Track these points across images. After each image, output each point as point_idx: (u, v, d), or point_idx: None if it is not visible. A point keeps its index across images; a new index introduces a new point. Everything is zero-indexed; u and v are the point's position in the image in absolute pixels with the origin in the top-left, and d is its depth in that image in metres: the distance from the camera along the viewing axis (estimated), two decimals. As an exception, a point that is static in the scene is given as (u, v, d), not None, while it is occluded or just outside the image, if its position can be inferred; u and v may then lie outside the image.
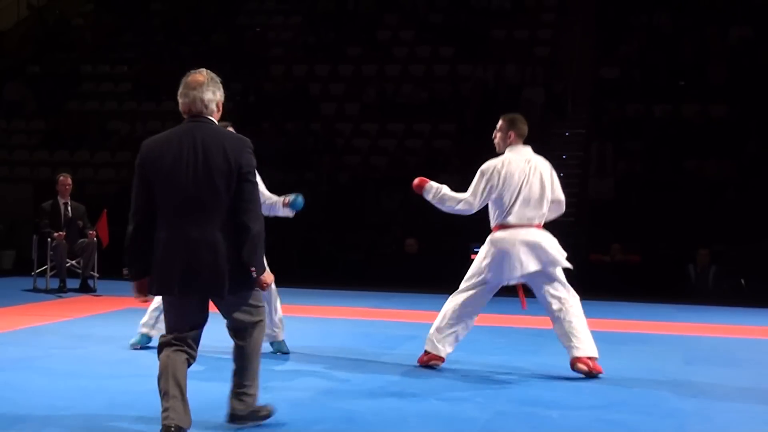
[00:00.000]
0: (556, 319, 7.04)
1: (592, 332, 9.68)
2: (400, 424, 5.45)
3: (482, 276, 7.04)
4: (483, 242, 7.15)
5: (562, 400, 6.18)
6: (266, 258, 8.01)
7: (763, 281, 13.65)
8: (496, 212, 7.06)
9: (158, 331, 7.94)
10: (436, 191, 7.19)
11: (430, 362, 7.14)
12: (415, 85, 19.17)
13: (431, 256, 14.50)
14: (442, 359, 7.13)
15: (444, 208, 7.26)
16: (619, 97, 17.70)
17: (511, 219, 6.98)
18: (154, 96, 19.93)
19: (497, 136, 7.19)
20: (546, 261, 6.94)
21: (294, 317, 10.29)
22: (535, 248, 6.93)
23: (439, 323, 7.13)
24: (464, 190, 7.11)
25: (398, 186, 16.45)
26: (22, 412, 5.44)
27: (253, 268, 4.80)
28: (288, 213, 7.88)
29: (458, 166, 16.46)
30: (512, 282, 7.10)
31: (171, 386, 4.69)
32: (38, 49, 22.12)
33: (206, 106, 5.00)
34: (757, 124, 16.58)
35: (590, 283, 14.13)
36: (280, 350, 7.81)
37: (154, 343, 8.11)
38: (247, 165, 4.77)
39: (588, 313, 11.24)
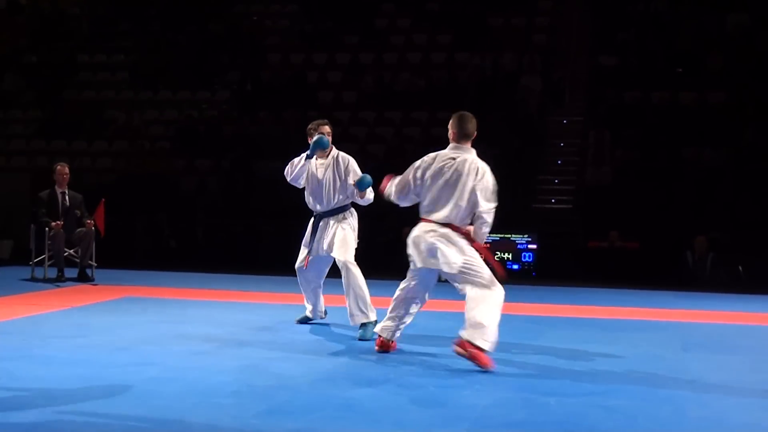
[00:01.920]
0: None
1: (590, 319, 9.74)
2: (398, 411, 5.46)
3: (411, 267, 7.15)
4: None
5: (559, 387, 6.19)
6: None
7: (760, 268, 13.68)
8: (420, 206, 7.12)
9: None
10: (389, 185, 7.31)
11: (383, 347, 7.28)
12: (412, 73, 19.16)
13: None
14: (394, 344, 7.31)
15: (391, 198, 7.34)
16: (616, 85, 17.70)
17: (424, 215, 7.02)
18: (151, 85, 19.91)
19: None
20: (436, 264, 6.89)
21: (291, 305, 10.32)
22: (430, 249, 6.89)
23: (388, 313, 7.28)
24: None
25: (395, 174, 16.41)
26: (21, 401, 5.45)
27: None
28: (366, 198, 8.25)
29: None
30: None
31: None
32: (34, 38, 22.08)
33: None
34: (754, 111, 16.59)
35: (588, 270, 14.21)
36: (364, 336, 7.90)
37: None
38: None
39: (586, 300, 11.33)
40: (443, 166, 6.92)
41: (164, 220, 16.70)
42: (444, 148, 7.11)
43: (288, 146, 17.80)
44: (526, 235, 14.64)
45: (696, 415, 5.58)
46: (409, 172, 7.12)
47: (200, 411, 5.31)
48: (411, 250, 7.05)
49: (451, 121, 7.10)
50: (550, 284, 13.30)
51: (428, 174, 6.96)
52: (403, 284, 7.24)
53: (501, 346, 7.78)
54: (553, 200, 16.62)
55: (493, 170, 7.02)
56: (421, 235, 6.96)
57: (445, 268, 6.84)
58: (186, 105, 19.35)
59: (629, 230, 14.88)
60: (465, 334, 6.64)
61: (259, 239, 15.97)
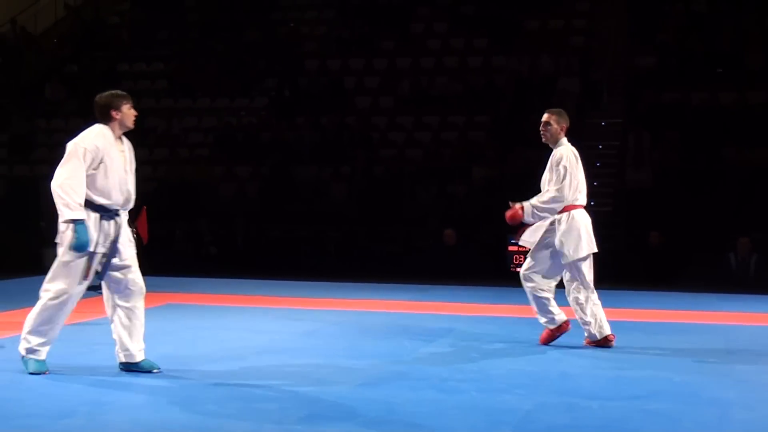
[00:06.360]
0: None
1: (632, 322, 9.65)
2: (439, 416, 5.45)
3: None
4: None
5: (602, 391, 6.16)
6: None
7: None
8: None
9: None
10: (532, 211, 7.79)
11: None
12: (449, 78, 19.13)
13: (469, 247, 14.44)
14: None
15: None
16: (655, 86, 17.55)
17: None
18: (189, 93, 20.06)
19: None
20: None
21: (332, 311, 10.34)
22: None
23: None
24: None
25: (434, 178, 16.41)
26: (64, 408, 5.51)
27: None
28: None
29: (493, 157, 16.43)
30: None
31: None
32: (76, 48, 22.35)
33: None
34: (795, 110, 16.38)
35: (629, 272, 14.08)
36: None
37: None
38: None
39: (627, 303, 11.23)
40: None
41: (204, 227, 16.82)
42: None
43: (325, 152, 18.02)
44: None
45: (740, 417, 5.52)
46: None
47: (243, 416, 5.34)
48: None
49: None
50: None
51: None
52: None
53: (543, 349, 7.76)
54: (592, 202, 16.50)
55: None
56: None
57: None
58: (224, 112, 19.46)
59: (670, 232, 14.74)
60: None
61: (298, 245, 16.03)
